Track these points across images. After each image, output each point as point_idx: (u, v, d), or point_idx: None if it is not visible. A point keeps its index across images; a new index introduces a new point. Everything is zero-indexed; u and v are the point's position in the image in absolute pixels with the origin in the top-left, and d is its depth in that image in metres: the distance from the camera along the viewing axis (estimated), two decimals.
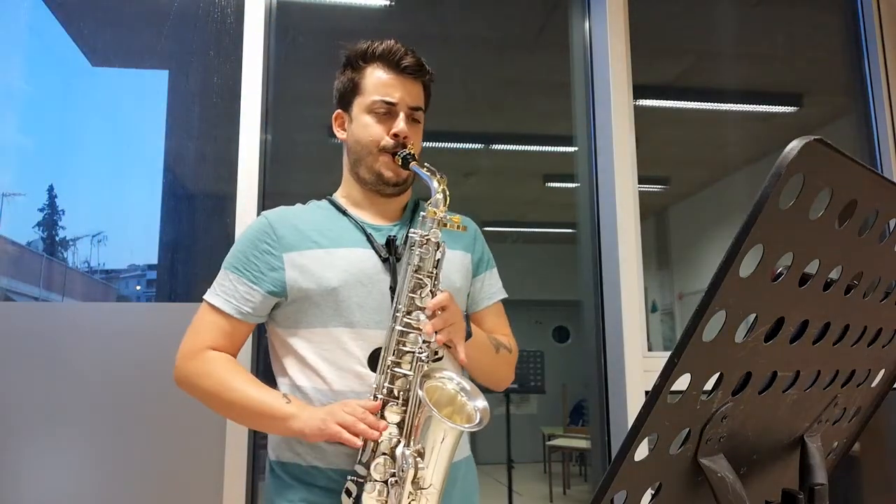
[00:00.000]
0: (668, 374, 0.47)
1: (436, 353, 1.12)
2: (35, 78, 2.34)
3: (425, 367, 1.09)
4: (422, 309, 1.11)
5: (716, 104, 4.08)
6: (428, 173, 1.19)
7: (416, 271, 1.13)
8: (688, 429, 0.52)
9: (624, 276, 2.02)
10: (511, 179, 6.23)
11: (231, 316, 1.19)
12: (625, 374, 1.96)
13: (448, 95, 4.62)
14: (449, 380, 1.12)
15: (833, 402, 0.68)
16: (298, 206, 1.31)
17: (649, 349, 2.01)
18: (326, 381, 1.16)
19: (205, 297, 1.23)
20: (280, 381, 1.23)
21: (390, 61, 1.24)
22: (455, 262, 1.27)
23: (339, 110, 1.30)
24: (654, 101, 3.82)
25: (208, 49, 2.07)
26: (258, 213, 1.83)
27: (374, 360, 1.15)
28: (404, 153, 1.21)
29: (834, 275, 0.55)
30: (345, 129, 1.29)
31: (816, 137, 0.46)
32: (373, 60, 1.25)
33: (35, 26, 2.35)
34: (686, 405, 0.51)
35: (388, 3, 2.66)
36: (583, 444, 5.85)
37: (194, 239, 2.05)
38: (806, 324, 0.56)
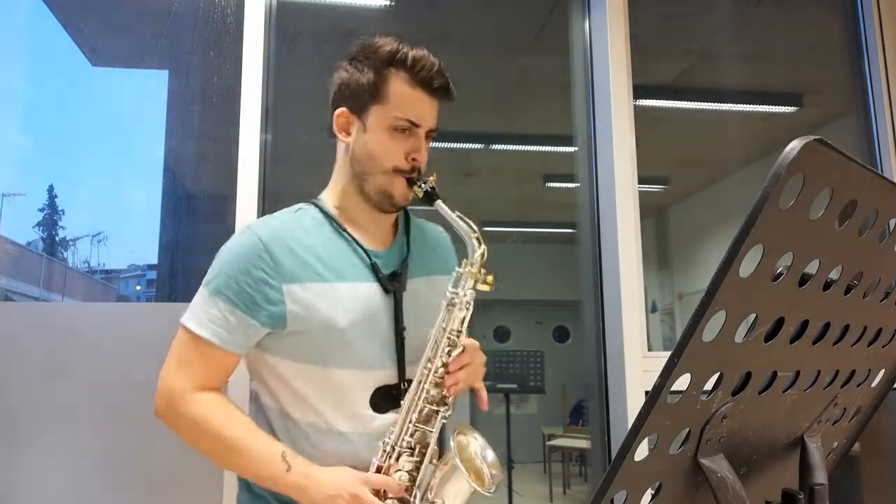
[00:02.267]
0: (668, 374, 0.47)
1: (450, 408, 1.12)
2: (35, 78, 2.34)
3: (446, 421, 1.09)
4: (446, 365, 1.09)
5: (716, 104, 4.08)
6: (461, 223, 1.12)
7: (448, 333, 1.10)
8: (688, 429, 0.52)
9: (624, 276, 2.02)
10: (511, 179, 6.24)
11: (222, 349, 1.08)
12: (625, 374, 1.96)
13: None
14: (474, 439, 1.13)
15: (833, 402, 0.68)
16: (288, 218, 1.16)
17: (649, 349, 2.01)
18: (325, 419, 1.09)
19: (187, 325, 1.09)
20: (266, 405, 1.14)
21: (421, 77, 1.12)
22: (443, 288, 1.21)
23: (344, 109, 1.15)
24: (654, 101, 3.82)
25: (208, 49, 2.07)
26: (259, 214, 1.83)
27: (376, 399, 1.11)
28: (426, 188, 1.12)
29: (834, 275, 0.55)
30: (349, 132, 1.16)
31: (816, 137, 0.46)
32: (400, 68, 1.12)
33: (35, 26, 2.35)
34: (686, 405, 0.51)
35: (388, 3, 2.66)
36: (583, 444, 5.85)
37: (194, 239, 2.05)
38: (806, 324, 0.56)
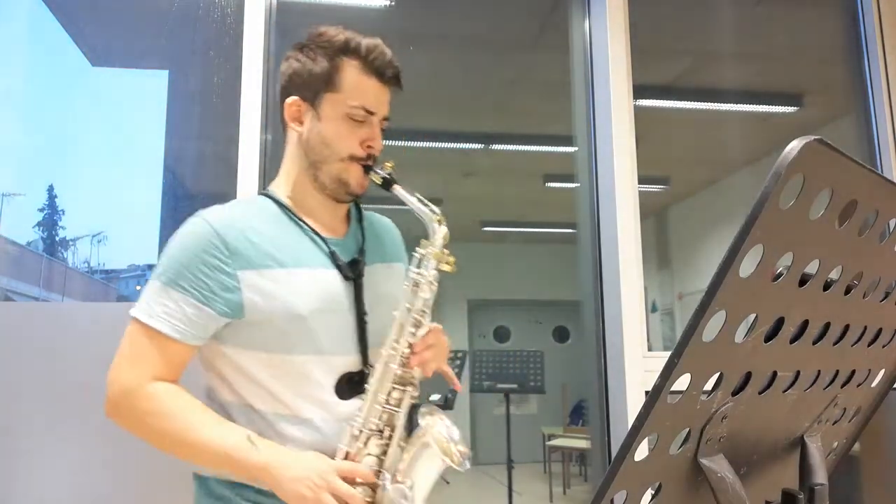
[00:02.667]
0: (668, 374, 0.47)
1: (416, 388, 1.11)
2: (35, 78, 2.33)
3: (414, 401, 1.08)
4: (412, 346, 1.09)
5: (716, 104, 4.08)
6: (422, 206, 1.12)
7: (414, 312, 1.09)
8: (688, 429, 0.52)
9: (624, 276, 2.02)
10: (511, 179, 6.24)
11: (176, 341, 1.04)
12: (625, 374, 1.96)
13: (448, 95, 4.64)
14: (440, 419, 1.10)
15: (833, 402, 0.68)
16: (241, 206, 1.16)
17: (649, 349, 2.01)
18: (292, 408, 1.07)
19: (138, 316, 1.05)
20: (226, 400, 1.11)
21: (374, 65, 1.13)
22: (399, 275, 1.22)
23: (296, 98, 1.14)
24: (654, 101, 3.82)
25: (208, 49, 2.07)
26: None
27: (341, 387, 1.09)
28: (384, 173, 1.12)
29: (834, 275, 0.55)
30: (301, 122, 1.15)
31: (816, 137, 0.46)
32: (354, 56, 1.12)
33: (35, 26, 2.35)
34: (686, 405, 0.51)
35: (388, 3, 2.66)
36: (583, 444, 5.86)
37: None
38: (806, 324, 0.56)
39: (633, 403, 1.95)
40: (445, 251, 1.12)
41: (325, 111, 1.13)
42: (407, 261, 1.28)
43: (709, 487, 0.54)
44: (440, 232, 1.12)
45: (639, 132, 2.12)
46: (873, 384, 0.74)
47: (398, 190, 1.12)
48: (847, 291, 0.57)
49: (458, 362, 4.43)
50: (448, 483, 6.82)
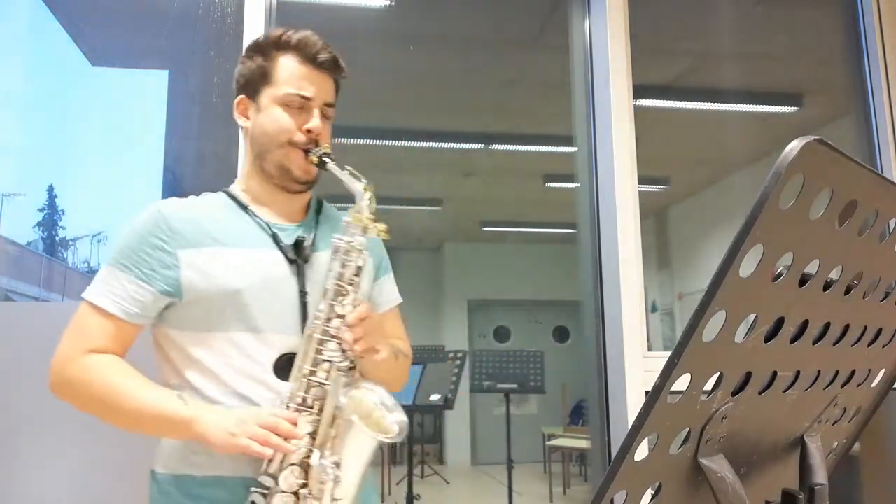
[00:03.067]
0: (668, 374, 0.47)
1: (352, 362, 1.09)
2: (35, 78, 2.34)
3: (343, 377, 1.06)
4: (341, 317, 1.07)
5: (716, 104, 4.09)
6: (350, 176, 1.13)
7: (338, 279, 1.09)
8: (688, 429, 0.52)
9: (624, 276, 2.02)
10: (511, 179, 6.24)
11: (117, 317, 1.08)
12: (625, 374, 1.96)
13: (448, 95, 4.64)
14: (371, 391, 1.09)
15: (833, 402, 0.68)
16: (192, 198, 1.20)
17: (649, 349, 2.01)
18: (230, 386, 1.08)
19: (84, 295, 1.11)
20: (172, 383, 1.13)
21: (306, 54, 1.17)
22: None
23: (242, 97, 1.21)
24: (654, 101, 3.83)
25: (208, 49, 2.07)
26: None
27: (280, 367, 1.09)
28: (320, 152, 1.15)
29: (834, 275, 0.55)
30: (248, 117, 1.21)
31: (816, 137, 0.46)
32: (286, 50, 1.17)
33: (35, 26, 2.35)
34: (686, 405, 0.51)
35: (388, 3, 2.66)
36: (583, 444, 5.86)
37: None
38: (806, 324, 0.56)
39: (633, 403, 1.95)
40: (368, 217, 1.12)
41: (263, 103, 1.18)
42: (376, 256, 1.29)
43: (709, 487, 0.54)
44: (365, 198, 1.12)
45: (639, 132, 2.12)
46: (873, 384, 0.74)
47: (331, 165, 1.14)
48: (847, 291, 0.57)
49: (458, 362, 4.43)
50: (448, 483, 6.82)
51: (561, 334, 8.51)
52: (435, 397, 4.19)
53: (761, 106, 3.94)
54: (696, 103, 4.13)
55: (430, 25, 3.08)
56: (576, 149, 2.31)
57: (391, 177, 5.90)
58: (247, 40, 1.92)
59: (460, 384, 4.33)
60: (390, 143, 5.14)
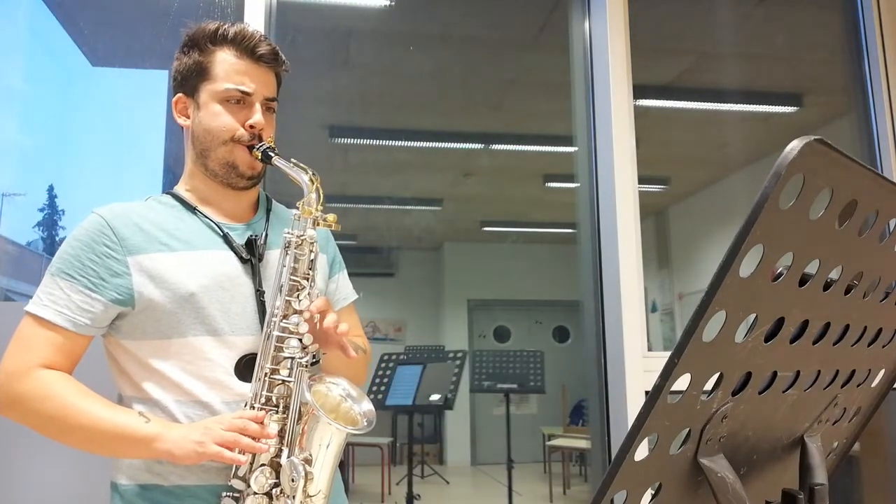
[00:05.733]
0: (668, 374, 0.47)
1: (314, 356, 1.07)
2: (35, 78, 2.34)
3: (306, 373, 1.04)
4: (299, 312, 1.05)
5: (716, 104, 4.09)
6: (296, 168, 1.10)
7: (292, 273, 1.06)
8: (688, 429, 0.52)
9: (624, 276, 2.02)
10: (511, 179, 6.24)
11: (65, 329, 1.03)
12: (625, 374, 1.96)
13: (448, 95, 4.64)
14: (335, 385, 1.08)
15: (833, 402, 0.68)
16: (135, 202, 1.15)
17: (649, 349, 2.01)
18: (191, 393, 1.05)
19: (27, 308, 1.05)
20: (128, 397, 1.09)
21: (244, 47, 1.14)
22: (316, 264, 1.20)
23: (180, 95, 1.17)
24: (654, 101, 3.83)
25: None
26: None
27: (241, 369, 1.07)
28: (264, 147, 1.12)
29: (834, 275, 0.55)
30: (188, 116, 1.16)
31: (816, 137, 0.46)
32: (223, 44, 1.14)
33: (35, 26, 2.35)
34: (686, 405, 0.51)
35: (388, 3, 2.66)
36: (583, 444, 5.85)
37: None
38: (806, 324, 0.56)
39: (633, 403, 1.95)
40: (317, 210, 1.09)
41: (203, 100, 1.14)
42: (330, 253, 1.28)
43: (709, 487, 0.54)
44: (312, 190, 1.09)
45: (639, 132, 2.12)
46: (873, 384, 0.74)
47: (276, 160, 1.11)
48: (847, 291, 0.57)
49: (458, 362, 4.43)
50: (448, 483, 6.82)
51: (561, 334, 8.51)
52: (435, 397, 4.19)
53: (761, 106, 3.94)
54: (696, 103, 4.13)
55: (430, 25, 3.08)
56: (576, 149, 2.31)
57: (391, 177, 5.90)
58: None
59: (460, 384, 4.33)
60: (390, 143, 5.14)
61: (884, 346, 0.68)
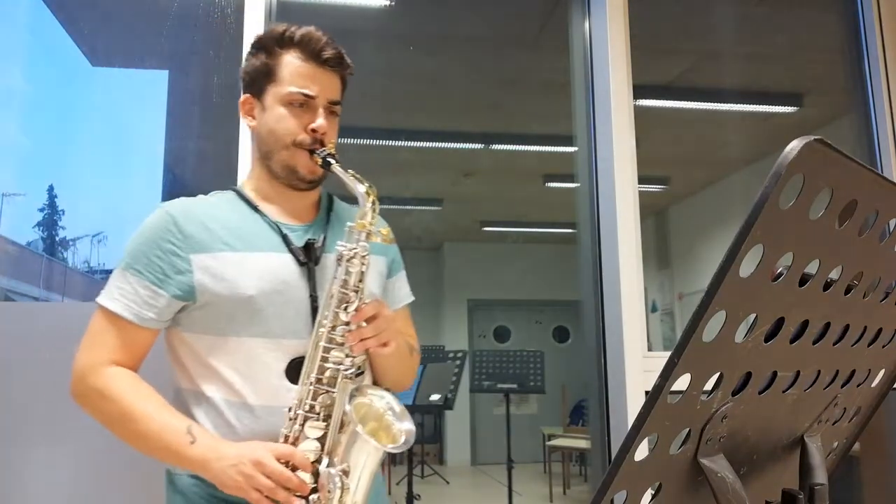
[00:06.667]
0: (668, 374, 0.47)
1: (359, 368, 1.09)
2: (35, 78, 2.33)
3: (350, 384, 1.06)
4: (346, 324, 1.07)
5: (716, 104, 4.09)
6: (354, 179, 1.12)
7: (342, 286, 1.08)
8: (688, 429, 0.52)
9: (624, 276, 2.02)
10: (511, 179, 6.24)
11: (132, 322, 1.08)
12: (625, 374, 1.96)
13: (448, 95, 4.63)
14: (379, 398, 1.10)
15: (833, 402, 0.68)
16: (202, 198, 1.19)
17: (649, 349, 2.01)
18: (239, 394, 1.08)
19: (99, 300, 1.10)
20: (184, 389, 1.13)
21: (310, 50, 1.15)
22: (372, 269, 1.19)
23: (247, 95, 1.20)
24: (654, 101, 3.83)
25: (208, 49, 2.07)
26: None
27: (293, 371, 1.09)
28: (324, 153, 1.13)
29: (834, 275, 0.55)
30: (254, 117, 1.19)
31: (816, 137, 0.46)
32: (290, 47, 1.16)
33: (35, 26, 2.35)
34: (686, 405, 0.51)
35: (388, 3, 2.66)
36: (583, 444, 5.85)
37: None
38: (806, 324, 0.56)
39: (633, 403, 1.95)
40: (371, 223, 1.11)
41: (268, 102, 1.16)
42: (390, 255, 1.30)
43: (709, 487, 0.54)
44: (368, 203, 1.11)
45: (639, 132, 2.12)
46: (873, 384, 0.74)
47: (335, 168, 1.13)
48: (847, 291, 0.57)
49: (458, 362, 4.43)
50: (448, 483, 6.82)
51: (561, 334, 8.51)
52: (435, 397, 4.19)
53: (761, 106, 3.94)
54: (696, 103, 4.13)
55: (430, 25, 3.08)
56: (576, 149, 2.31)
57: (391, 177, 5.90)
58: (247, 40, 1.92)
59: (460, 384, 4.33)
60: (390, 143, 5.14)
61: (884, 346, 0.68)
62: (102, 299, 1.10)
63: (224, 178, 1.90)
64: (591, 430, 2.28)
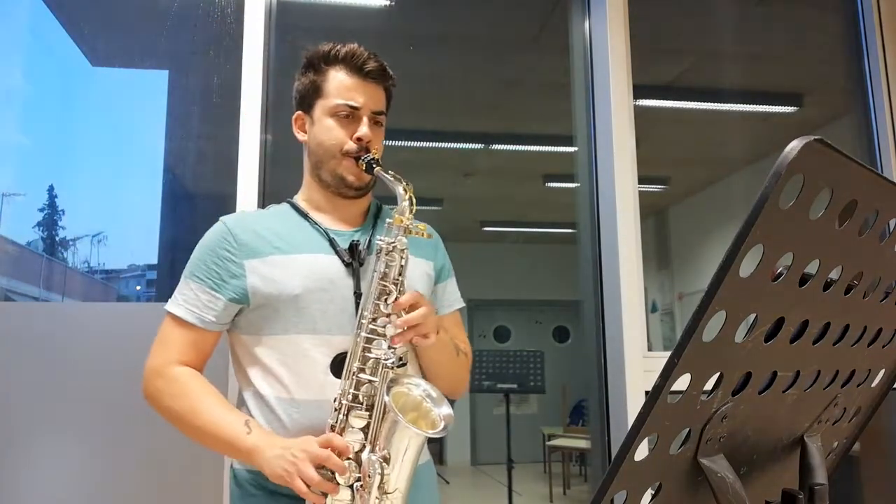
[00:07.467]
0: (668, 374, 0.47)
1: (400, 359, 1.13)
2: (35, 78, 2.33)
3: (391, 374, 1.10)
4: (387, 316, 1.11)
5: (716, 104, 4.08)
6: (393, 179, 1.18)
7: (381, 278, 1.13)
8: (688, 429, 0.52)
9: (624, 276, 2.02)
10: (511, 179, 6.24)
11: (195, 326, 1.18)
12: (625, 374, 1.96)
13: (448, 95, 4.63)
14: (416, 386, 1.14)
15: (833, 402, 0.68)
16: (258, 210, 1.29)
17: (649, 349, 2.01)
18: (288, 390, 1.15)
19: (166, 307, 1.21)
20: (244, 389, 1.22)
21: (353, 65, 1.24)
22: (418, 270, 1.27)
23: (299, 112, 1.30)
24: (654, 101, 3.82)
25: (208, 49, 2.07)
26: None
27: (337, 366, 1.15)
28: (368, 158, 1.21)
29: (834, 275, 0.55)
30: (305, 132, 1.29)
31: (816, 137, 0.46)
32: (335, 63, 1.25)
33: (35, 26, 2.35)
34: (686, 405, 0.51)
35: (388, 3, 2.66)
36: (583, 444, 5.86)
37: (194, 239, 2.05)
38: (806, 324, 0.56)
39: (633, 403, 1.95)
40: (408, 218, 1.16)
41: (316, 116, 1.26)
42: (438, 261, 1.36)
43: (709, 487, 0.54)
44: (405, 200, 1.17)
45: (639, 132, 2.12)
46: (873, 384, 0.74)
47: (377, 170, 1.20)
48: (847, 291, 0.57)
49: None
50: (448, 483, 6.82)
51: (561, 334, 8.50)
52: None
53: (761, 106, 3.93)
54: (696, 103, 4.13)
55: (430, 25, 3.08)
56: (576, 149, 2.31)
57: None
58: (247, 40, 1.92)
59: None
60: (390, 143, 5.12)
61: (884, 346, 0.68)
62: (169, 306, 1.20)
63: (224, 178, 1.90)
64: (591, 430, 2.28)
